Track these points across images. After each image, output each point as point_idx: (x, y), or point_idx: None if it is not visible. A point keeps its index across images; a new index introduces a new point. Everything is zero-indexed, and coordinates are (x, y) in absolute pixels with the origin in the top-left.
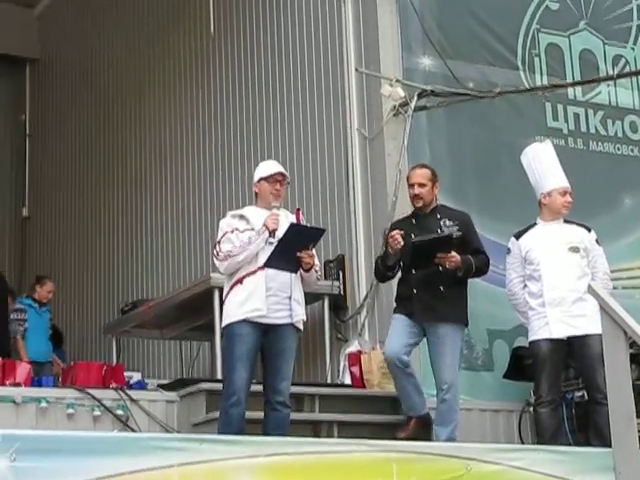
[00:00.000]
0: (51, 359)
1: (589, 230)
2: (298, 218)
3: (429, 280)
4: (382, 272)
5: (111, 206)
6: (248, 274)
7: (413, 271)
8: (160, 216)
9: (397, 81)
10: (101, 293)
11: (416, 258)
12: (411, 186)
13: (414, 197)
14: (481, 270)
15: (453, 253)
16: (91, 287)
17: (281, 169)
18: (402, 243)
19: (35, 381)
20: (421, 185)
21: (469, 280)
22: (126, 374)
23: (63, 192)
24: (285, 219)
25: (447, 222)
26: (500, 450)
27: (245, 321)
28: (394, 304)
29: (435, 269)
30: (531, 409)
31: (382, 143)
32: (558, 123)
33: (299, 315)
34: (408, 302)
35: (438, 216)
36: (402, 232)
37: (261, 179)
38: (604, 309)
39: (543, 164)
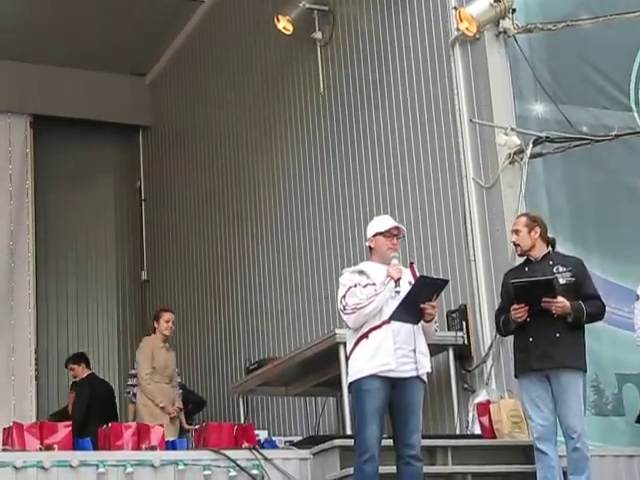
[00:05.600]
0: None
1: None
2: (413, 272)
3: (545, 327)
4: (503, 332)
5: (230, 266)
6: (373, 328)
7: (528, 319)
8: (278, 273)
9: (512, 129)
10: (223, 352)
11: (520, 300)
12: (511, 234)
13: (513, 244)
14: (595, 316)
15: (560, 298)
16: (213, 347)
17: (397, 223)
18: (525, 318)
19: (169, 444)
20: (516, 232)
21: (594, 324)
22: None
23: (180, 254)
24: (403, 272)
25: (560, 268)
26: None
27: (374, 376)
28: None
29: (550, 317)
30: None
31: (499, 191)
32: None
33: (425, 367)
34: (525, 352)
35: (550, 262)
36: (526, 307)
37: (377, 234)
38: None
39: None
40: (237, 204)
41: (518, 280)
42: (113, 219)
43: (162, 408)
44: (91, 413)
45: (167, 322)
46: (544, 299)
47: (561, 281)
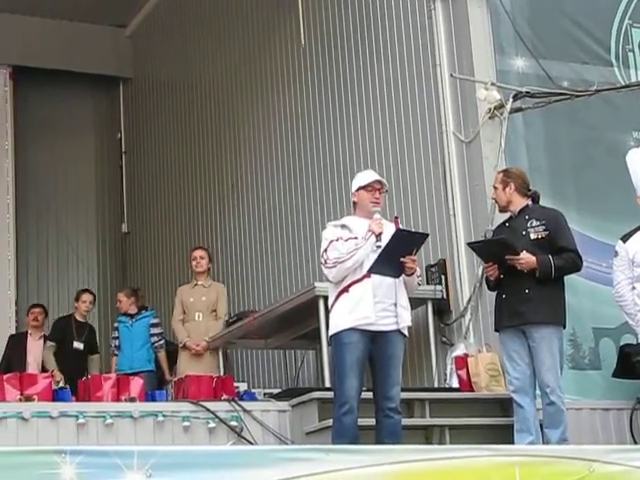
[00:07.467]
0: (150, 368)
1: None
2: (397, 226)
3: (516, 284)
4: (488, 288)
5: (210, 218)
6: (354, 282)
7: (502, 276)
8: (259, 226)
9: (492, 84)
10: None
11: (486, 259)
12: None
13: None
14: (566, 269)
15: (523, 254)
16: None
17: (379, 177)
18: (497, 275)
19: (149, 395)
20: (494, 188)
21: (572, 279)
22: None
23: (161, 206)
24: (386, 226)
25: (534, 222)
26: (622, 450)
27: (353, 329)
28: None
29: (521, 274)
30: None
31: (479, 146)
32: None
33: (405, 321)
34: (500, 309)
35: (526, 217)
36: (495, 266)
37: (360, 188)
38: None
39: (637, 168)
40: (218, 156)
41: (473, 241)
42: (93, 172)
43: (183, 347)
44: None
45: (194, 260)
46: (507, 257)
47: (532, 236)
